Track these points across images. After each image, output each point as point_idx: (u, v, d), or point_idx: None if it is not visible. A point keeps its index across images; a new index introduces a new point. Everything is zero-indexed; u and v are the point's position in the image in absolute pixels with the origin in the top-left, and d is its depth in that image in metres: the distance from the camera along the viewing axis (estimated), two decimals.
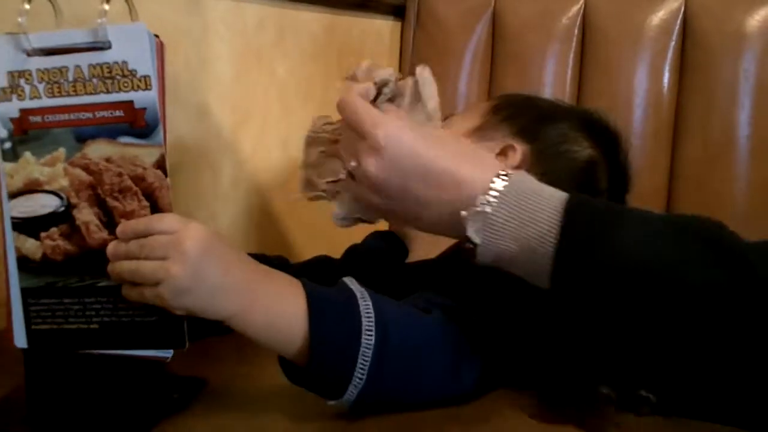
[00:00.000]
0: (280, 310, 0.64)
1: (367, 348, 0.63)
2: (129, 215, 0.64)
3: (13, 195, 0.64)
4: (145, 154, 0.64)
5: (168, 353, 0.65)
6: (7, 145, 0.64)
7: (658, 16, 1.18)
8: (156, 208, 0.64)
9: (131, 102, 0.63)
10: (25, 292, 0.65)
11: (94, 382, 0.68)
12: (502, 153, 0.86)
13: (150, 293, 0.61)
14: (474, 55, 1.30)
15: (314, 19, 1.24)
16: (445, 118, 0.87)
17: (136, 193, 0.64)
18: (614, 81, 1.20)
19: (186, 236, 0.61)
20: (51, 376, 0.68)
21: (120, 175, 0.64)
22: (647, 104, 1.19)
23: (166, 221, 0.62)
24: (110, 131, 0.63)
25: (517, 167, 0.83)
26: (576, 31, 1.23)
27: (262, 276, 0.66)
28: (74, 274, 0.65)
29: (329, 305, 0.65)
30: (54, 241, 0.65)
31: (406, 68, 1.36)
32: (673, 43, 1.18)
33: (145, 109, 0.63)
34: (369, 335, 0.64)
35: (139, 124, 0.63)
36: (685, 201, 1.17)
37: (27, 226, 0.65)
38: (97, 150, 0.64)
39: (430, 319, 0.69)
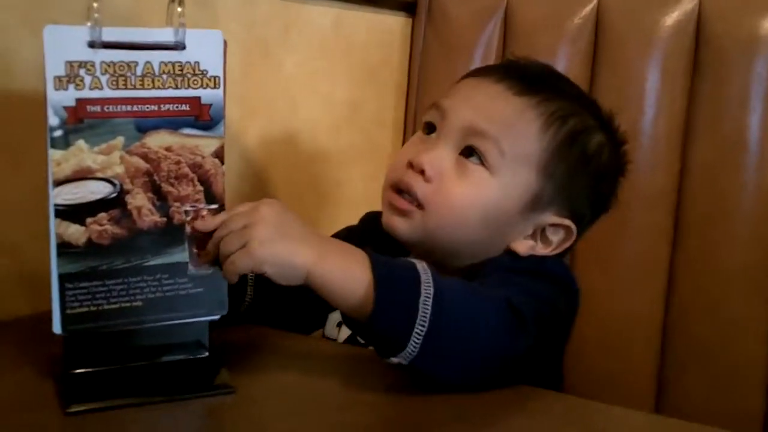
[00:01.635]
0: (350, 263, 0.70)
1: (427, 297, 0.68)
2: (183, 199, 0.69)
3: (59, 182, 0.65)
4: (205, 144, 0.70)
5: (213, 316, 0.71)
6: (58, 132, 0.64)
7: (671, 18, 1.18)
8: (210, 193, 0.70)
9: (198, 98, 0.68)
10: (63, 278, 0.66)
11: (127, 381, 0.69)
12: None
13: (240, 256, 0.67)
14: (484, 53, 1.30)
15: (322, 13, 1.24)
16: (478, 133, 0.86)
17: (192, 179, 0.69)
18: (625, 82, 1.19)
19: (261, 204, 0.69)
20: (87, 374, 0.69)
21: (178, 163, 0.68)
22: (658, 106, 1.18)
23: (239, 206, 0.70)
24: (174, 123, 0.68)
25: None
26: (588, 32, 1.22)
27: (327, 237, 0.74)
28: (120, 256, 0.68)
29: (389, 261, 0.71)
30: (102, 225, 0.67)
31: (416, 65, 1.36)
32: (685, 45, 1.17)
33: (211, 104, 0.69)
34: (428, 285, 0.69)
35: (203, 118, 0.69)
36: (695, 203, 1.16)
37: (72, 212, 0.66)
38: (158, 140, 0.68)
39: (481, 287, 0.76)
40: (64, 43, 0.64)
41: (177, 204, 0.69)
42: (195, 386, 0.69)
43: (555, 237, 0.88)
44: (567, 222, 0.87)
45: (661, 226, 1.18)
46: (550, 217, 0.87)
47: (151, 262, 0.68)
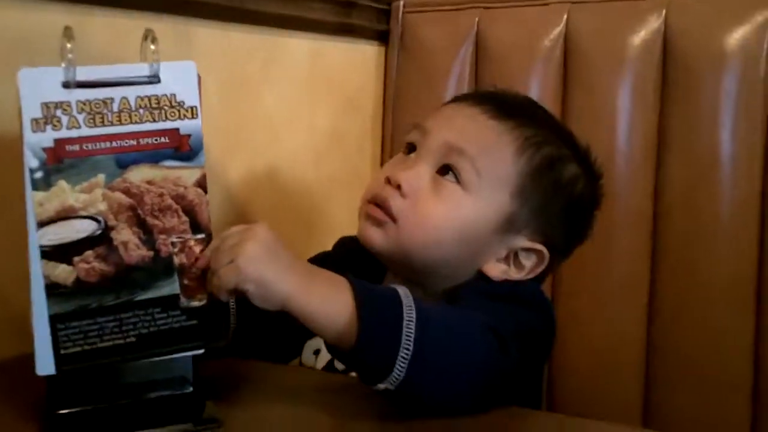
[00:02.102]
0: (333, 291, 0.70)
1: (409, 320, 0.69)
2: (169, 230, 0.69)
3: (43, 223, 0.65)
4: (187, 174, 0.69)
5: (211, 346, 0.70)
6: (38, 174, 0.65)
7: (639, 37, 1.19)
8: (195, 223, 0.69)
9: (177, 129, 0.69)
10: (55, 318, 0.65)
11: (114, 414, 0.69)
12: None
13: (226, 270, 0.67)
14: (459, 77, 1.31)
15: (300, 45, 1.25)
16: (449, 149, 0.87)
17: (177, 210, 0.69)
18: (597, 101, 1.21)
19: (254, 225, 0.70)
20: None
21: (161, 195, 0.68)
22: (631, 124, 1.19)
23: (233, 228, 0.70)
24: (154, 156, 0.68)
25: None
26: (558, 53, 1.24)
27: (312, 266, 0.74)
28: (110, 292, 0.67)
29: (371, 288, 0.72)
30: (89, 263, 0.66)
31: (390, 92, 1.37)
32: (654, 64, 1.18)
33: (190, 135, 0.69)
34: (410, 309, 0.70)
35: (183, 149, 0.69)
36: (672, 220, 1.17)
37: (58, 253, 0.65)
38: (139, 174, 0.68)
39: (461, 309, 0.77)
40: (39, 85, 0.64)
41: (163, 236, 0.68)
42: (182, 421, 0.69)
43: (528, 261, 0.89)
44: (539, 246, 0.88)
45: (641, 245, 1.19)
46: (523, 241, 0.88)
47: (142, 297, 0.68)
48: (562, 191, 0.90)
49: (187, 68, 0.69)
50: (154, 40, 0.67)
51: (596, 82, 1.21)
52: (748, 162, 1.14)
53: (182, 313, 0.69)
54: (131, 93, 0.67)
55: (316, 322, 0.70)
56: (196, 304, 0.69)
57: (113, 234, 0.67)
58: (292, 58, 1.24)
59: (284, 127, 1.24)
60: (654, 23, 1.18)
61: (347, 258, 0.96)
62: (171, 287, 0.69)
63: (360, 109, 1.38)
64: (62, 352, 0.65)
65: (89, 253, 0.66)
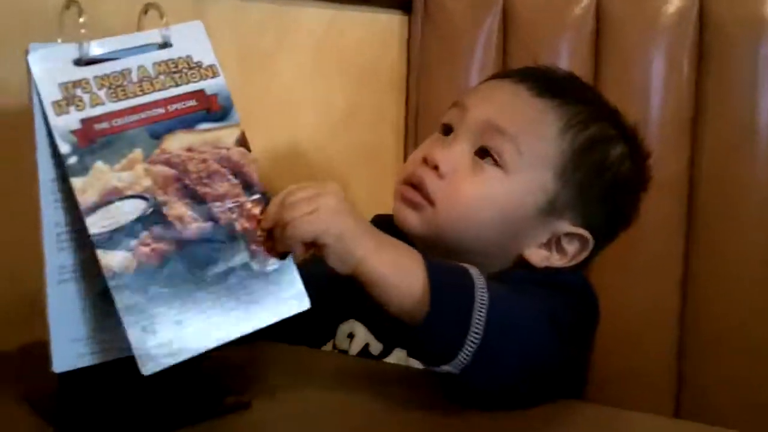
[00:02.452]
0: (407, 261, 0.67)
1: (482, 305, 0.66)
2: (223, 197, 0.65)
3: (90, 210, 0.60)
4: (225, 135, 0.66)
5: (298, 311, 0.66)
6: (72, 159, 0.60)
7: (674, 4, 1.16)
8: (247, 183, 0.66)
9: (202, 90, 0.66)
10: (130, 311, 0.60)
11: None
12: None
13: (305, 220, 0.64)
14: (485, 48, 1.28)
15: (316, 16, 1.21)
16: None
17: (224, 174, 0.65)
18: (630, 70, 1.18)
19: (328, 183, 0.68)
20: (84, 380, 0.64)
21: (204, 161, 0.65)
22: (665, 93, 1.16)
23: (301, 185, 0.67)
24: (187, 121, 0.65)
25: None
26: (590, 20, 1.20)
27: (385, 234, 0.70)
28: (177, 273, 0.62)
29: (444, 264, 0.69)
30: (148, 245, 0.61)
31: (414, 63, 1.34)
32: (690, 31, 1.15)
33: (216, 94, 0.67)
34: (482, 292, 0.67)
35: (214, 109, 0.66)
36: (707, 191, 1.15)
37: (112, 240, 0.60)
38: (176, 141, 0.64)
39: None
40: (52, 65, 0.61)
41: (218, 204, 0.64)
42: (206, 408, 0.66)
43: (570, 247, 0.86)
44: (583, 231, 0.85)
45: (674, 215, 1.16)
46: (566, 226, 0.85)
47: (214, 271, 0.63)
48: (606, 172, 0.86)
49: (196, 27, 0.67)
50: (162, 15, 0.65)
51: (629, 51, 1.18)
52: None
53: (261, 281, 0.64)
54: (147, 60, 0.64)
55: (385, 291, 0.67)
56: (270, 268, 0.66)
57: (166, 210, 0.63)
58: (308, 29, 1.20)
59: (300, 101, 1.21)
60: None
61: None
62: (241, 256, 0.65)
63: (379, 81, 1.35)
64: (151, 343, 0.60)
65: (145, 234, 0.61)
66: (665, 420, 0.80)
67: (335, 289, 0.85)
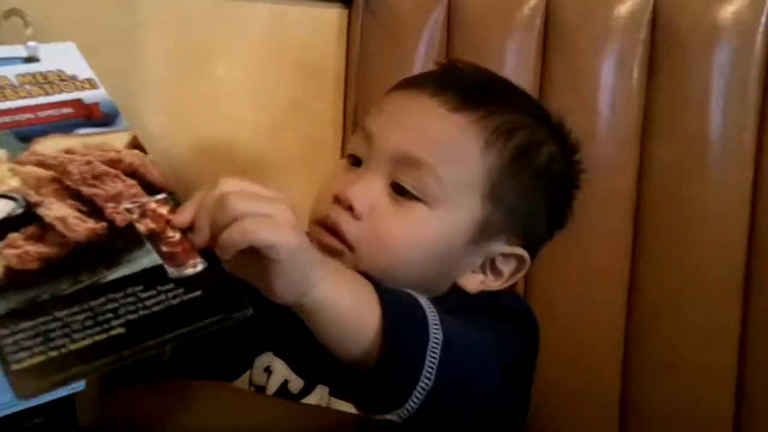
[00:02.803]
0: (363, 293, 0.61)
1: (435, 343, 0.61)
2: (118, 197, 0.59)
3: None
4: (112, 139, 0.63)
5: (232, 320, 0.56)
6: None
7: (625, 7, 1.11)
8: (147, 183, 0.61)
9: (80, 99, 0.64)
10: None
11: None
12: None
13: (262, 222, 0.54)
14: (428, 45, 1.21)
15: (255, 9, 1.16)
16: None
17: (116, 175, 0.60)
18: (579, 76, 1.13)
19: (277, 192, 0.58)
20: None
21: (89, 162, 0.60)
22: (615, 101, 1.12)
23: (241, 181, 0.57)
24: (62, 127, 0.62)
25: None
26: (538, 23, 1.15)
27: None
28: (63, 278, 0.54)
29: (397, 296, 0.63)
30: (18, 248, 0.55)
31: (354, 60, 1.28)
32: (642, 36, 1.11)
33: (97, 103, 0.64)
34: (436, 329, 0.62)
35: (95, 116, 0.63)
36: (656, 205, 1.11)
37: None
38: (52, 145, 0.61)
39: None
40: None
41: (112, 204, 0.58)
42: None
43: (506, 267, 0.81)
44: (519, 251, 0.81)
45: (621, 230, 1.12)
46: (500, 246, 0.80)
47: (112, 276, 0.55)
48: (538, 179, 0.82)
49: (68, 48, 0.66)
50: (27, 24, 0.62)
51: (578, 56, 1.13)
52: (739, 145, 1.08)
53: (177, 286, 0.56)
54: (9, 72, 0.62)
55: (336, 327, 0.59)
56: (190, 271, 0.57)
57: (41, 210, 0.57)
58: (248, 23, 1.16)
59: (239, 98, 1.17)
60: None
61: None
62: (149, 258, 0.57)
63: (322, 78, 1.29)
64: (14, 367, 0.50)
65: (15, 236, 0.55)
66: None
67: (252, 317, 0.79)
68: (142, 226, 0.58)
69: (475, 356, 0.66)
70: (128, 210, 0.58)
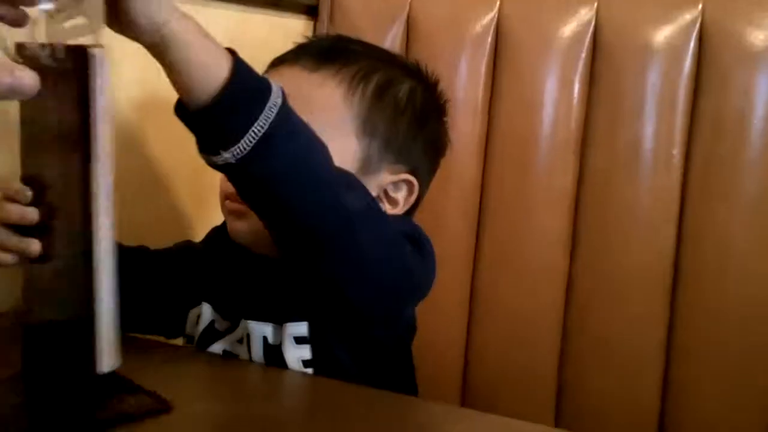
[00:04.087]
0: (216, 46, 0.67)
1: (274, 104, 0.67)
2: None
3: None
4: None
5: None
6: None
7: (569, 27, 1.20)
8: None
9: None
10: None
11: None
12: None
13: None
14: None
15: (222, 16, 1.21)
16: None
17: None
18: (526, 89, 1.22)
19: None
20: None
21: None
22: (556, 112, 1.21)
23: None
24: None
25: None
26: (489, 38, 1.24)
27: None
28: None
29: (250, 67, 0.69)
30: None
31: None
32: (583, 54, 1.20)
33: None
34: (278, 96, 0.68)
35: None
36: (591, 207, 1.19)
37: None
38: None
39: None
40: None
41: None
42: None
43: (399, 194, 0.91)
44: (404, 176, 0.90)
45: (560, 228, 1.21)
46: (387, 176, 0.89)
47: None
48: (404, 111, 0.91)
49: None
50: None
51: (525, 70, 1.22)
52: (667, 154, 1.16)
53: None
54: None
55: (192, 69, 0.66)
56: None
57: None
58: (211, 31, 1.18)
59: None
60: (585, 15, 1.20)
61: (216, 246, 0.94)
62: None
63: None
64: None
65: None
66: (543, 428, 0.83)
67: (184, 275, 0.90)
68: None
69: (317, 147, 0.73)
70: None
